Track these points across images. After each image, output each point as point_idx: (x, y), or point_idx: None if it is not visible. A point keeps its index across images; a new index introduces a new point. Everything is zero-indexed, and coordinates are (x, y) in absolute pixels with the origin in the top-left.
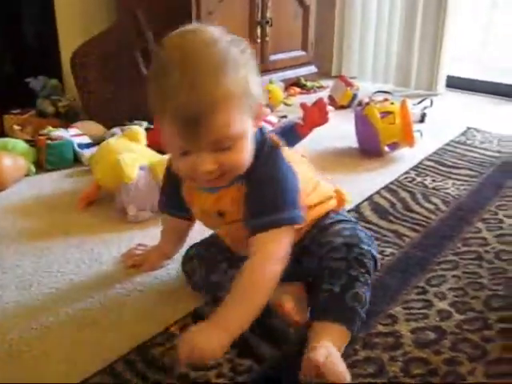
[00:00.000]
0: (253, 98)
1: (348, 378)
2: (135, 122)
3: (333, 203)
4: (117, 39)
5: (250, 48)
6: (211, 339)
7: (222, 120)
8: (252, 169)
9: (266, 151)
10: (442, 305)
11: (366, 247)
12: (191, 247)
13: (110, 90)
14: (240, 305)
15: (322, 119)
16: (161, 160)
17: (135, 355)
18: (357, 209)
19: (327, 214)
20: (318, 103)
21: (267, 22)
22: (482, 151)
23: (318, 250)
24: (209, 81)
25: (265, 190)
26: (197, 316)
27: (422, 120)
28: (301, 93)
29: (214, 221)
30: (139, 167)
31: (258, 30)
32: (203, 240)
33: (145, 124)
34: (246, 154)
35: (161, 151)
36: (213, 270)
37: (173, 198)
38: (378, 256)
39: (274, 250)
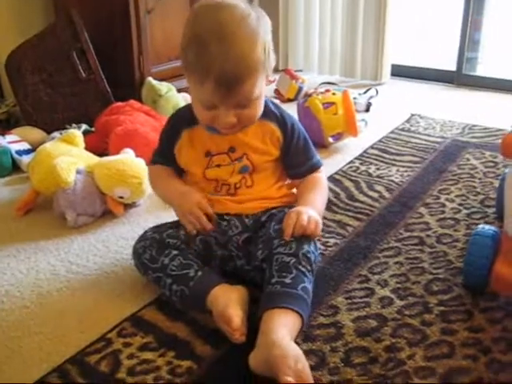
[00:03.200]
0: (270, 61)
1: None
2: (74, 125)
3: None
4: (53, 41)
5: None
6: (316, 215)
7: (250, 84)
8: (276, 115)
9: (271, 102)
10: (384, 292)
11: (312, 245)
12: (150, 228)
13: (47, 93)
14: (321, 198)
15: None
16: (99, 163)
17: (70, 364)
18: None
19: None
20: None
21: None
22: (426, 137)
23: (269, 239)
24: (244, 50)
25: (300, 140)
26: (135, 320)
27: (367, 109)
28: None
29: (215, 162)
30: (77, 171)
31: None
32: (162, 224)
33: (84, 127)
34: (260, 110)
35: (99, 154)
36: (164, 252)
37: (168, 151)
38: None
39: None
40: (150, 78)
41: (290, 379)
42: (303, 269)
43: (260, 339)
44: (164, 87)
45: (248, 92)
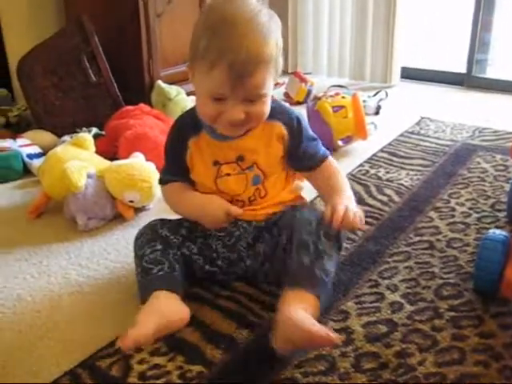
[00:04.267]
0: (280, 61)
1: (335, 336)
2: (84, 128)
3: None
4: (63, 46)
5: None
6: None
7: (261, 77)
8: (278, 111)
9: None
10: (394, 297)
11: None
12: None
13: (58, 97)
14: (347, 186)
15: None
16: (109, 167)
17: (81, 368)
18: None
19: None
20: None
21: None
22: (435, 140)
23: (289, 222)
24: (258, 41)
25: (307, 132)
26: None
27: (376, 112)
28: None
29: (225, 171)
30: (87, 175)
31: None
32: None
33: (94, 130)
34: (268, 107)
35: (109, 158)
36: (151, 243)
37: (177, 164)
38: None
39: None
40: (160, 82)
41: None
42: (322, 247)
43: (278, 316)
44: (173, 91)
45: (258, 85)
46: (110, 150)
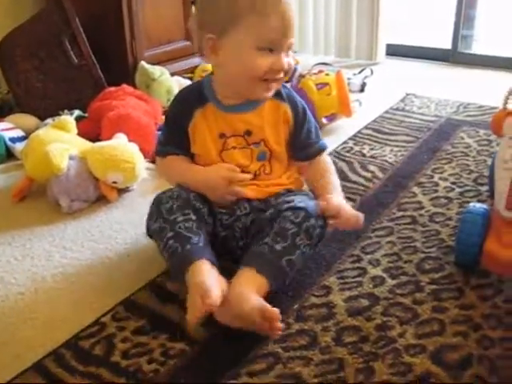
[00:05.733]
0: None
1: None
2: (66, 111)
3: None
4: (44, 28)
5: None
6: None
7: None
8: (288, 95)
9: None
10: (376, 271)
11: (319, 222)
12: (177, 186)
13: (40, 79)
14: (339, 186)
15: None
16: (91, 148)
17: (65, 349)
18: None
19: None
20: None
21: None
22: (420, 116)
23: (279, 204)
24: (291, 5)
25: (310, 123)
26: (128, 304)
27: (361, 89)
28: None
29: (231, 144)
30: (69, 157)
31: (193, 9)
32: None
33: (76, 113)
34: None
35: (93, 139)
36: (184, 211)
37: (178, 135)
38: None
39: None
40: (143, 62)
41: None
42: (300, 241)
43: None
44: (157, 71)
45: (293, 38)
46: (93, 131)
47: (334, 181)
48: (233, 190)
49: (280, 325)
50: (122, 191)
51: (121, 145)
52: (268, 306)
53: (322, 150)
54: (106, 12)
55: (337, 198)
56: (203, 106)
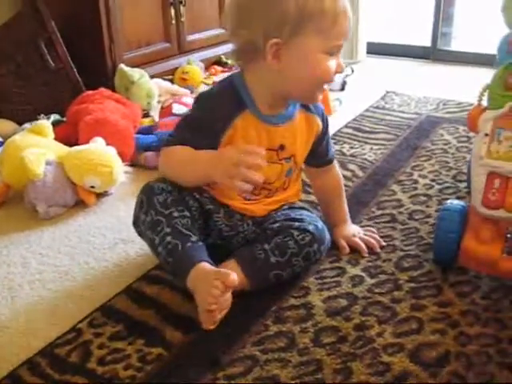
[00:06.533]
0: None
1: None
2: (43, 115)
3: None
4: (20, 31)
5: None
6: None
7: None
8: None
9: None
10: (355, 271)
11: (321, 249)
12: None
13: (17, 84)
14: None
15: None
16: (68, 153)
17: (41, 357)
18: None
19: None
20: None
21: (180, 2)
22: (400, 114)
23: (287, 220)
24: None
25: (329, 132)
26: (106, 310)
27: (342, 88)
28: (222, 71)
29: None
30: (46, 162)
31: (172, 11)
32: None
33: (53, 117)
34: None
35: (71, 144)
36: (178, 207)
37: (200, 140)
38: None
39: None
40: (122, 65)
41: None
42: (296, 262)
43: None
44: (136, 73)
45: None
46: (71, 135)
47: (345, 202)
48: (242, 175)
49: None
50: (100, 195)
51: (98, 149)
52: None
53: (332, 159)
54: (84, 15)
55: (352, 231)
56: (242, 113)
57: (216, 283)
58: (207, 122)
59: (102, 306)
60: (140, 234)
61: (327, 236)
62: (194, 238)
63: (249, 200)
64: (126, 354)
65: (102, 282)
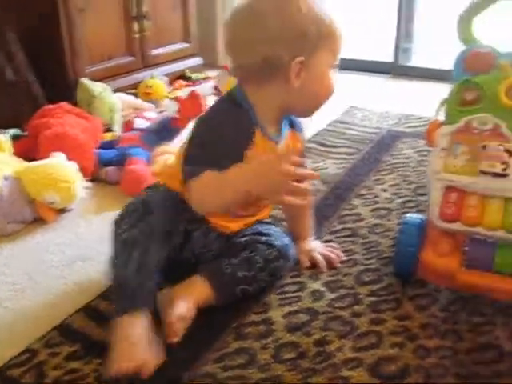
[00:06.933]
0: None
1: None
2: (1, 130)
3: None
4: None
5: None
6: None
7: None
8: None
9: None
10: (316, 285)
11: (286, 264)
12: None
13: None
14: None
15: (197, 111)
16: (26, 168)
17: None
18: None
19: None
20: (192, 95)
21: (144, 17)
22: (362, 128)
23: (255, 234)
24: None
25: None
26: (63, 329)
27: None
28: (187, 85)
29: None
30: (3, 177)
31: (135, 25)
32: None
33: (12, 131)
34: None
35: (32, 159)
36: (159, 242)
37: (227, 159)
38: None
39: None
40: (84, 79)
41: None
42: (262, 277)
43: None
44: (98, 87)
45: None
46: (31, 150)
47: (311, 218)
48: (293, 188)
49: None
50: (60, 212)
51: (57, 164)
52: (176, 319)
53: None
54: (45, 27)
55: (313, 247)
56: (256, 132)
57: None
58: (232, 141)
59: (59, 325)
60: (115, 234)
61: (293, 252)
62: (155, 277)
63: (234, 217)
64: (82, 375)
65: (59, 301)
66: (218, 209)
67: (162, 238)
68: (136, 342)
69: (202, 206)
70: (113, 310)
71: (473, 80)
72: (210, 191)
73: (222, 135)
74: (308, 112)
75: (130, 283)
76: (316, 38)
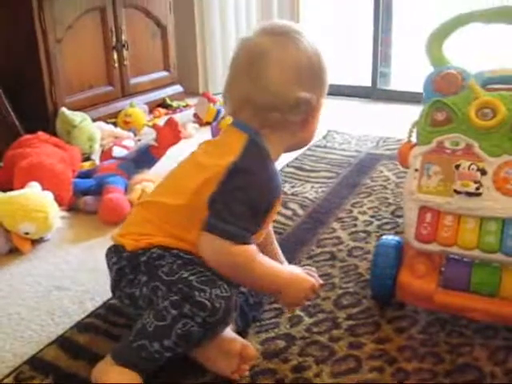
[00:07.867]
0: None
1: None
2: None
3: None
4: None
5: None
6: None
7: None
8: None
9: None
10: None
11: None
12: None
13: None
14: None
15: (175, 138)
16: (1, 198)
17: None
18: None
19: None
20: (169, 123)
21: (123, 46)
22: (341, 152)
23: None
24: None
25: None
26: (35, 362)
27: None
28: (166, 113)
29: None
30: None
31: (115, 55)
32: None
33: None
34: None
35: (8, 189)
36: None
37: (264, 214)
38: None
39: None
40: (64, 109)
41: None
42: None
43: None
44: (78, 117)
45: None
46: (7, 181)
47: (277, 245)
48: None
49: None
50: (36, 242)
51: (33, 194)
52: None
53: None
54: (23, 59)
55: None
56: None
57: None
58: (271, 190)
59: (31, 358)
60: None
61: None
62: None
63: None
64: None
65: (31, 333)
66: (233, 279)
67: None
68: None
69: (219, 267)
70: (115, 347)
71: (443, 101)
72: (256, 272)
73: (267, 192)
74: (303, 146)
75: (152, 351)
76: (323, 80)
